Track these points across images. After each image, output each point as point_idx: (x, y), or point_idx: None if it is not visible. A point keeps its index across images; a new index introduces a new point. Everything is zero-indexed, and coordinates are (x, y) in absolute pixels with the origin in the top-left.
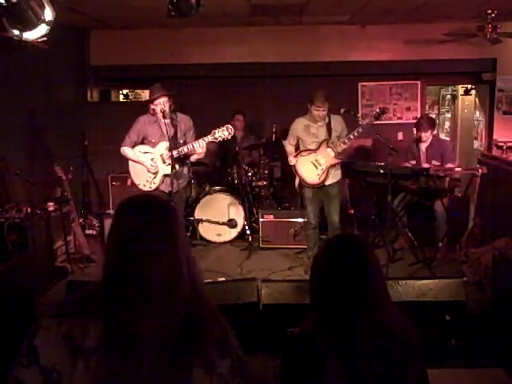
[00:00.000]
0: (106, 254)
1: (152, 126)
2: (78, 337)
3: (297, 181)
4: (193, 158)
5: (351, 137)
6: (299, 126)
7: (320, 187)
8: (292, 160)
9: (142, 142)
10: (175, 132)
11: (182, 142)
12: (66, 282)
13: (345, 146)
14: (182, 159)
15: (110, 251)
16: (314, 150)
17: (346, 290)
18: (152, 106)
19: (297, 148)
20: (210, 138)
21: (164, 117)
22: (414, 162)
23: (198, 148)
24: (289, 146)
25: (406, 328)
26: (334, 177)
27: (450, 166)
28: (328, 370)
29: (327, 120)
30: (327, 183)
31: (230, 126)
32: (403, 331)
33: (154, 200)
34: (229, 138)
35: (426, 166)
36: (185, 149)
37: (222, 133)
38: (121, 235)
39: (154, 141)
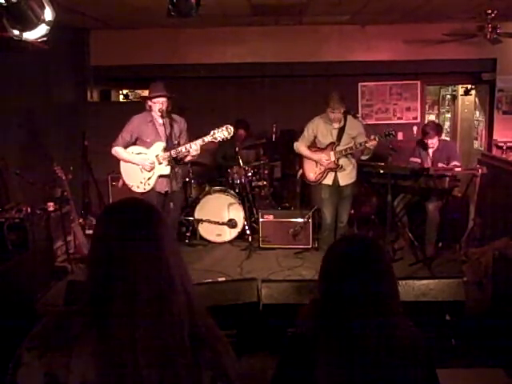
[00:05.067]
0: (90, 267)
1: (147, 126)
2: (60, 374)
3: (299, 172)
4: (186, 159)
5: (351, 150)
6: (316, 124)
7: (335, 187)
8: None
9: (134, 143)
10: (171, 133)
11: (176, 143)
12: (66, 282)
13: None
14: (178, 160)
15: (94, 263)
16: (321, 150)
17: (357, 290)
18: (149, 103)
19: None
20: (208, 138)
21: (162, 116)
22: (419, 161)
23: (194, 149)
24: (304, 149)
25: (415, 340)
26: (349, 178)
27: (451, 165)
28: (320, 371)
29: (343, 123)
30: (342, 184)
31: (229, 126)
32: (411, 344)
33: (138, 204)
34: (228, 137)
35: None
36: (182, 149)
37: (222, 133)
38: (104, 244)
39: (148, 140)
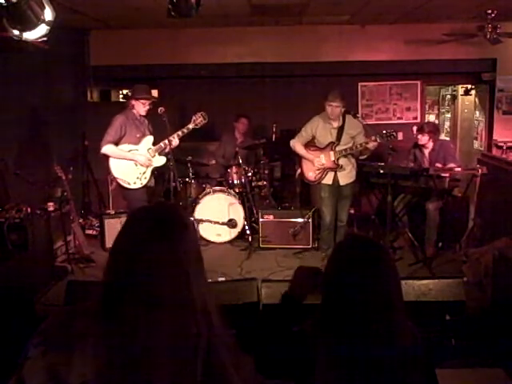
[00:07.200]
0: (109, 267)
1: (132, 123)
2: (62, 372)
3: (298, 172)
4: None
5: (352, 150)
6: (315, 124)
7: (335, 187)
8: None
9: (119, 142)
10: (152, 128)
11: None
12: (66, 282)
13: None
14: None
15: (113, 262)
16: (320, 149)
17: (359, 292)
18: (133, 102)
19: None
20: (191, 125)
21: (146, 115)
22: (412, 165)
23: (178, 138)
24: (299, 147)
25: (415, 342)
26: (349, 178)
27: (450, 165)
28: (318, 370)
29: (341, 122)
30: (342, 183)
31: (203, 113)
32: (411, 346)
33: (171, 210)
34: (205, 122)
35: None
36: (171, 139)
37: (200, 119)
38: (129, 246)
39: (138, 136)
